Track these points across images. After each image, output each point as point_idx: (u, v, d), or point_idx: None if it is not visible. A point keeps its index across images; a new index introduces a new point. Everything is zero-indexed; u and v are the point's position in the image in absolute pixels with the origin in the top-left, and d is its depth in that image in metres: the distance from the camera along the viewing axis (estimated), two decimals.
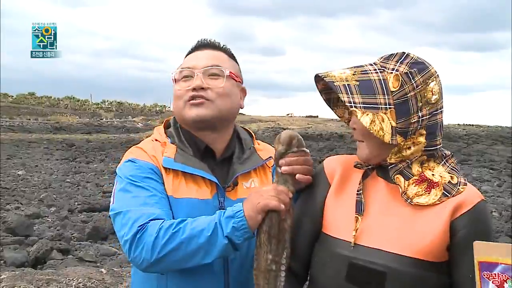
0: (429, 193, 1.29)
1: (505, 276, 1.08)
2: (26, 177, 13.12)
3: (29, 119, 33.28)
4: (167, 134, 1.63)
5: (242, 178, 1.60)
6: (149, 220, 1.38)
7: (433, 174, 1.32)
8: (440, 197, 1.28)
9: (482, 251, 1.10)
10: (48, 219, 8.75)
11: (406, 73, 1.28)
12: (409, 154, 1.31)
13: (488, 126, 37.28)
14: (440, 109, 1.33)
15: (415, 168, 1.32)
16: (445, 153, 1.37)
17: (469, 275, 1.18)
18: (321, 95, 1.45)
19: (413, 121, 1.28)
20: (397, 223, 1.30)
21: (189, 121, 1.57)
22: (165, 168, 1.52)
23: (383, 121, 1.26)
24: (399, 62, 1.30)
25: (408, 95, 1.27)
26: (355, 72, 1.32)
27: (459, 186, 1.31)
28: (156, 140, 1.61)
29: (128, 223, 1.39)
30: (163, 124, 1.69)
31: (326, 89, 1.43)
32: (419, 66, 1.30)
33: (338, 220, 1.37)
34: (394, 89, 1.27)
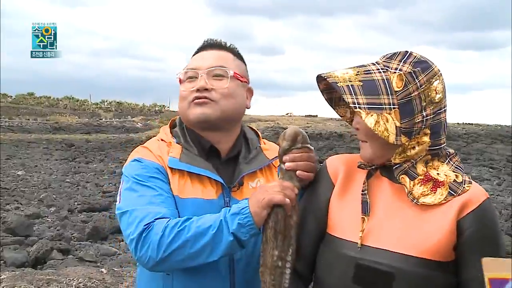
0: (434, 193, 1.28)
1: None
2: (25, 177, 13.12)
3: (28, 119, 33.29)
4: (173, 134, 1.63)
5: (248, 178, 1.59)
6: (155, 219, 1.38)
7: (438, 173, 1.31)
8: (446, 197, 1.28)
9: (492, 267, 1.10)
10: (48, 219, 8.76)
11: (409, 72, 1.27)
12: (414, 154, 1.30)
13: (488, 125, 37.29)
14: (444, 108, 1.32)
15: (420, 168, 1.31)
16: (449, 152, 1.37)
17: (477, 274, 1.17)
18: (323, 95, 1.44)
19: (417, 121, 1.27)
20: (403, 223, 1.29)
21: (193, 120, 1.57)
22: (171, 168, 1.52)
23: (387, 121, 1.25)
24: (402, 61, 1.29)
25: (412, 95, 1.26)
26: (358, 72, 1.31)
27: (464, 184, 1.30)
28: (161, 140, 1.61)
29: (134, 222, 1.39)
30: (169, 124, 1.68)
31: (328, 88, 1.42)
32: (423, 65, 1.29)
33: (343, 221, 1.36)
34: (398, 89, 1.27)
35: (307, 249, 1.42)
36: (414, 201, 1.28)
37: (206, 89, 1.55)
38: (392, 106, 1.26)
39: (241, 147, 1.64)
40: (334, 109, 1.47)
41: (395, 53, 1.32)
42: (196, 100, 1.55)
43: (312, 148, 1.45)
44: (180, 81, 1.62)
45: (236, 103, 1.60)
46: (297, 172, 1.40)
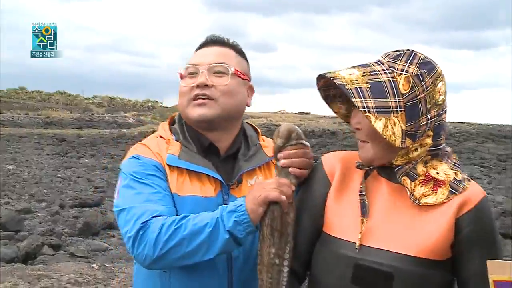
0: (436, 192, 1.28)
1: None
2: (16, 172, 13.02)
3: (20, 114, 33.03)
4: (172, 131, 1.62)
5: (247, 176, 1.58)
6: (152, 217, 1.38)
7: (438, 173, 1.31)
8: (447, 196, 1.28)
9: (497, 269, 1.12)
10: (38, 214, 8.69)
11: (416, 74, 1.26)
12: (416, 156, 1.29)
13: (479, 124, 37.48)
14: (445, 108, 1.32)
15: (420, 168, 1.30)
16: (446, 150, 1.37)
17: (476, 272, 1.20)
18: (320, 92, 1.43)
19: (422, 123, 1.26)
20: (401, 224, 1.29)
21: (192, 121, 1.58)
22: (169, 166, 1.51)
23: (394, 125, 1.24)
24: (408, 62, 1.28)
25: (418, 98, 1.26)
26: (364, 73, 1.29)
27: (464, 182, 1.31)
28: (160, 136, 1.60)
29: (132, 219, 1.39)
30: (168, 121, 1.68)
31: (325, 86, 1.41)
32: (428, 66, 1.28)
33: (342, 221, 1.35)
34: (405, 92, 1.25)
35: (302, 246, 1.41)
36: (416, 202, 1.28)
37: (207, 86, 1.54)
38: (399, 109, 1.24)
39: (240, 144, 1.63)
40: (328, 105, 1.45)
41: (399, 53, 1.30)
42: (196, 101, 1.55)
43: (308, 144, 1.44)
44: (181, 76, 1.61)
45: (237, 100, 1.59)
46: (291, 169, 1.40)
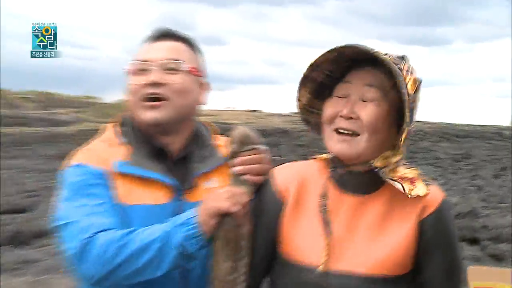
0: (417, 187, 1.30)
1: None
2: None
3: None
4: (121, 133, 1.56)
5: (202, 178, 1.54)
6: (97, 232, 1.33)
7: (404, 173, 1.33)
8: (427, 188, 1.30)
9: (477, 276, 1.17)
10: None
11: (420, 80, 1.30)
12: (395, 161, 1.30)
13: (434, 123, 38.85)
14: None
15: (391, 172, 1.31)
16: None
17: (439, 273, 1.26)
18: (301, 85, 1.35)
19: (411, 128, 1.28)
20: (366, 239, 1.28)
21: (144, 124, 1.52)
22: (117, 172, 1.46)
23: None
24: (411, 66, 1.30)
25: (416, 102, 1.30)
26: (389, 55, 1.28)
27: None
28: (107, 140, 1.54)
29: (75, 235, 1.34)
30: (115, 123, 1.61)
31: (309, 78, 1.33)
32: (417, 73, 1.31)
33: (301, 243, 1.31)
34: (411, 93, 1.26)
35: (258, 264, 1.37)
36: (409, 196, 1.27)
37: (159, 84, 1.50)
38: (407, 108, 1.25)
39: (194, 145, 1.59)
40: (300, 90, 1.36)
41: (400, 55, 1.31)
42: (148, 102, 1.50)
43: (264, 148, 1.42)
44: (129, 73, 1.54)
45: (190, 99, 1.55)
46: (246, 177, 1.37)
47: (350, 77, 1.30)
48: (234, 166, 1.39)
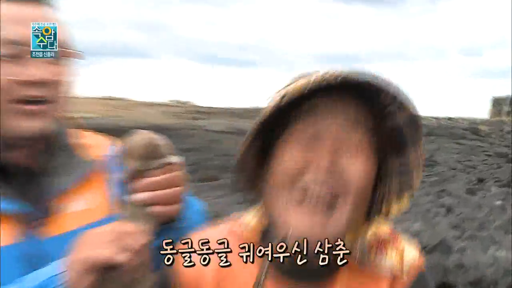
0: (383, 256, 1.02)
1: None
2: None
3: None
4: None
5: (64, 198, 1.17)
6: None
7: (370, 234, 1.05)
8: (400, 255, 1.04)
9: None
10: None
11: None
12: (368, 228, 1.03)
13: None
14: None
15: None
16: None
17: None
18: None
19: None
20: None
21: (17, 136, 1.14)
22: None
23: None
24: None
25: None
26: None
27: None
28: None
29: None
30: None
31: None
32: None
33: None
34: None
35: None
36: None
37: (43, 83, 1.14)
38: None
39: (48, 154, 1.19)
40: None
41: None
42: (27, 106, 1.13)
43: (178, 161, 1.08)
44: None
45: (67, 94, 1.20)
46: (154, 209, 1.04)
47: (315, 106, 0.95)
48: (134, 192, 1.04)
